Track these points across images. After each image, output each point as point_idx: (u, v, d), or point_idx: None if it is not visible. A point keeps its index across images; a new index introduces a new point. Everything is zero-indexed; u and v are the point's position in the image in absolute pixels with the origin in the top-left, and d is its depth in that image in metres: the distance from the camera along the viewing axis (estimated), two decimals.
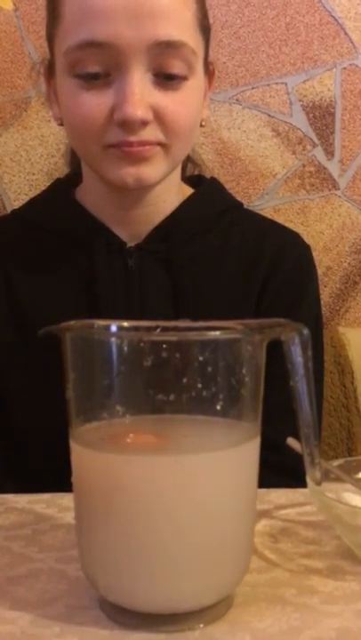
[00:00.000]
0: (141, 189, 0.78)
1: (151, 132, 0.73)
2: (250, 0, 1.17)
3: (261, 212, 1.09)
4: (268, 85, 1.19)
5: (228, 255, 0.86)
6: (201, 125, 0.80)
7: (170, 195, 0.84)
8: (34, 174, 1.19)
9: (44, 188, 0.92)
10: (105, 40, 0.70)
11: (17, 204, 1.16)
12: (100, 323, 0.44)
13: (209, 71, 0.81)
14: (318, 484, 0.49)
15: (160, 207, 0.83)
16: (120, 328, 0.43)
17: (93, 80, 0.72)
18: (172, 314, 0.81)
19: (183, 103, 0.74)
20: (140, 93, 0.71)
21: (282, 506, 0.61)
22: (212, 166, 1.18)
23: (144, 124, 0.72)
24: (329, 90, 1.19)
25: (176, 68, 0.73)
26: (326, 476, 0.54)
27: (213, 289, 0.84)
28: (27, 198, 0.93)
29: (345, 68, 1.19)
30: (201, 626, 0.42)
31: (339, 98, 1.19)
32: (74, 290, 0.83)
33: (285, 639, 0.41)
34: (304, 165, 1.21)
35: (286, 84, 1.19)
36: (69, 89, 0.74)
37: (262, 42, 1.18)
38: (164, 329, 0.44)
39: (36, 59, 1.17)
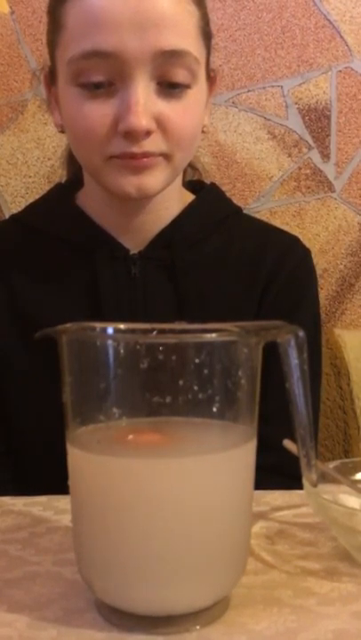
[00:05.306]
0: (143, 198, 0.78)
1: (154, 143, 0.73)
2: (246, 3, 1.18)
3: (258, 215, 1.09)
4: (264, 88, 1.19)
5: (230, 260, 0.86)
6: (203, 132, 0.80)
7: (171, 202, 0.84)
8: (30, 177, 1.19)
9: (41, 191, 0.92)
10: (110, 50, 0.70)
11: (13, 207, 1.16)
12: (97, 325, 0.44)
13: (210, 78, 0.81)
14: (315, 485, 0.49)
15: (162, 214, 0.83)
16: (116, 330, 0.43)
17: (97, 89, 0.72)
18: (176, 321, 0.81)
19: (186, 112, 0.74)
20: (145, 103, 0.71)
21: (278, 507, 0.61)
22: (209, 169, 1.18)
23: (148, 133, 0.72)
24: (325, 93, 1.20)
25: (180, 76, 0.73)
26: (323, 478, 0.54)
27: (216, 294, 0.84)
28: (23, 201, 0.93)
29: (340, 71, 1.19)
30: (197, 628, 0.42)
31: (334, 101, 1.20)
32: (76, 296, 0.82)
33: None
34: (300, 168, 1.21)
35: (282, 86, 1.19)
36: (72, 98, 0.74)
37: (258, 45, 1.18)
38: (161, 331, 0.44)
39: (33, 62, 1.17)
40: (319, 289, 0.93)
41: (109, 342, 0.42)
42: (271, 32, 1.18)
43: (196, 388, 0.41)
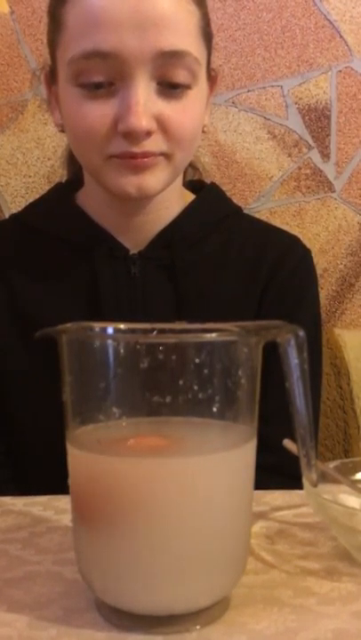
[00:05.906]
0: (144, 198, 0.78)
1: (154, 143, 0.73)
2: (246, 3, 1.18)
3: (258, 215, 1.09)
4: (264, 88, 1.19)
5: (230, 260, 0.86)
6: (203, 131, 0.80)
7: (172, 201, 0.84)
8: (30, 177, 1.19)
9: (41, 191, 0.92)
10: (110, 50, 0.70)
11: (13, 207, 1.16)
12: (97, 325, 0.44)
13: (211, 77, 0.81)
14: (315, 485, 0.49)
15: (162, 214, 0.83)
16: (116, 330, 0.43)
17: (97, 89, 0.72)
18: (176, 320, 0.81)
19: (186, 112, 0.74)
20: (145, 104, 0.71)
21: (278, 507, 0.61)
22: (209, 169, 1.18)
23: (148, 134, 0.72)
24: (325, 92, 1.20)
25: (180, 77, 0.72)
26: (323, 478, 0.54)
27: (216, 294, 0.84)
28: (23, 201, 0.93)
29: (340, 71, 1.19)
30: (197, 627, 0.42)
31: (334, 100, 1.20)
32: (76, 295, 0.82)
33: None
34: (300, 168, 1.21)
35: (282, 86, 1.19)
36: (73, 98, 0.74)
37: (258, 45, 1.18)
38: (161, 331, 0.44)
39: (33, 62, 1.17)
40: (319, 289, 0.93)
41: (109, 342, 0.42)
42: (271, 32, 1.18)
43: (196, 387, 0.41)
